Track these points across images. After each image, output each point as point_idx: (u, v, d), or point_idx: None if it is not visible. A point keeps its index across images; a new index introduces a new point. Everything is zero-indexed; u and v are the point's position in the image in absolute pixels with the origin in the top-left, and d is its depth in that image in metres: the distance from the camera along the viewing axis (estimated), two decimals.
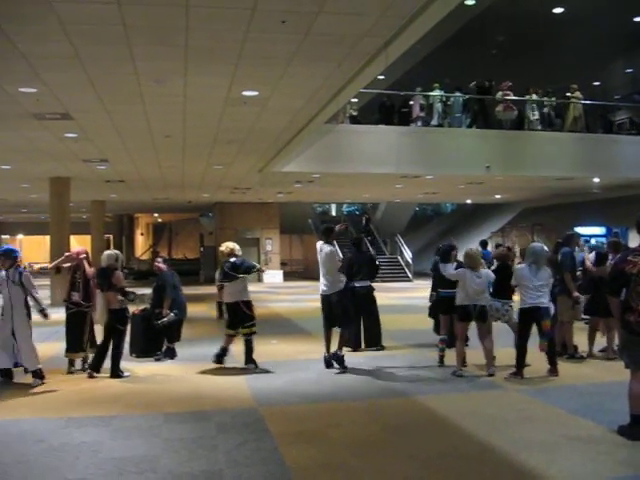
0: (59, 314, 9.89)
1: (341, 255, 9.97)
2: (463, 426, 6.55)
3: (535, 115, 20.61)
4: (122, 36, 7.60)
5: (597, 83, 25.91)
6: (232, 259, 9.69)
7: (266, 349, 11.00)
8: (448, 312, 9.52)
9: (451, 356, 9.35)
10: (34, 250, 47.65)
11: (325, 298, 9.49)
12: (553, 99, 21.34)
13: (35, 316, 8.82)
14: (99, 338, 9.44)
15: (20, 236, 50.29)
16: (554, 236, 22.40)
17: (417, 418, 6.99)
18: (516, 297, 9.21)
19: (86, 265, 9.45)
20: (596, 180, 22.52)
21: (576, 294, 9.75)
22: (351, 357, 10.23)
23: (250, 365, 9.60)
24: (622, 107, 24.87)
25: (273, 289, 26.54)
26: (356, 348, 11.00)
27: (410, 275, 30.63)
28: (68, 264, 9.55)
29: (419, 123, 20.33)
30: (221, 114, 11.81)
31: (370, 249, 28.04)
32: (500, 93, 20.22)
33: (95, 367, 9.10)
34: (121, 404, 7.61)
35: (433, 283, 11.24)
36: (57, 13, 6.85)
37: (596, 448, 5.77)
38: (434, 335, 11.16)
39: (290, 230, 36.76)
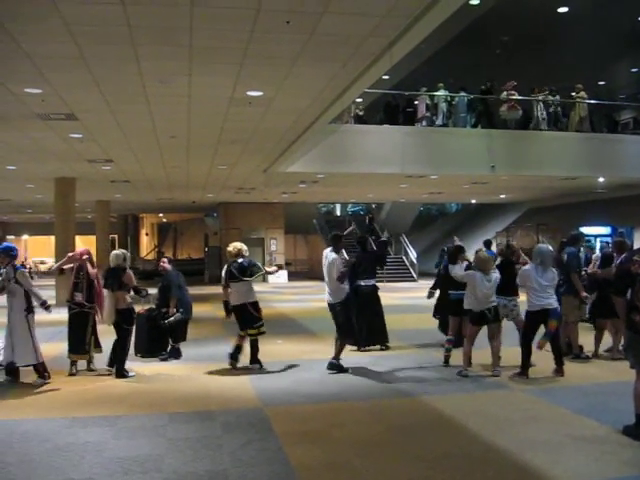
0: (63, 314, 9.90)
1: (347, 257, 9.87)
2: (468, 426, 6.55)
3: (543, 114, 20.58)
4: (127, 36, 7.61)
5: (602, 82, 25.83)
6: (240, 260, 9.68)
7: (271, 349, 11.01)
8: (458, 314, 9.48)
9: (456, 357, 9.34)
10: (39, 250, 47.76)
11: (330, 307, 9.48)
12: (557, 97, 21.29)
13: (39, 316, 8.84)
14: (104, 338, 9.46)
15: (25, 236, 50.36)
16: (559, 236, 22.35)
17: (422, 418, 6.98)
18: (522, 297, 9.20)
19: (89, 266, 9.46)
20: (601, 180, 22.46)
21: (584, 294, 9.75)
22: (356, 357, 10.24)
23: (255, 365, 9.61)
24: (627, 107, 24.82)
25: (278, 289, 26.55)
26: (361, 347, 11.00)
27: (415, 275, 30.61)
28: (70, 265, 9.55)
29: (424, 123, 20.31)
30: (226, 114, 11.82)
31: (375, 248, 28.02)
32: (505, 93, 20.19)
33: (112, 364, 9.23)
34: (126, 404, 7.62)
35: (436, 282, 11.23)
36: (61, 13, 6.86)
37: (601, 448, 5.76)
38: (439, 335, 11.17)
39: (295, 230, 36.75)
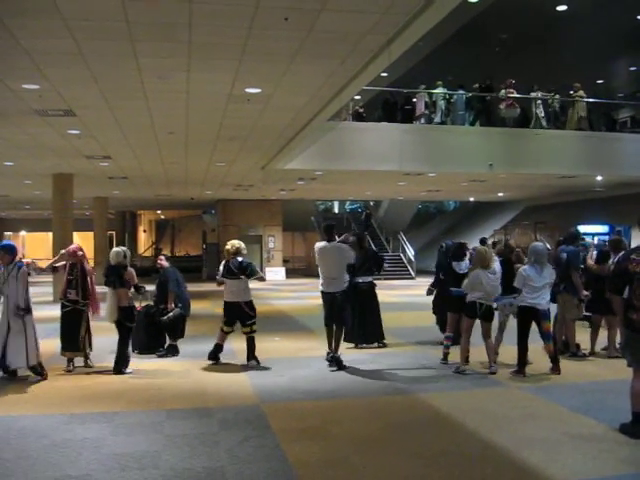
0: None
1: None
2: (465, 423, 6.56)
3: (542, 112, 20.59)
4: (125, 32, 7.60)
5: (600, 81, 25.85)
6: (239, 258, 9.69)
7: (268, 346, 11.02)
8: (457, 310, 9.48)
9: (454, 354, 9.35)
10: (37, 247, 47.70)
11: (329, 296, 9.43)
12: (557, 96, 21.32)
13: (36, 312, 8.83)
14: (95, 337, 9.47)
15: (23, 233, 50.31)
16: (557, 234, 22.40)
17: (419, 415, 6.99)
18: None
19: (85, 262, 9.43)
20: (599, 178, 22.48)
21: (585, 293, 9.77)
22: (353, 354, 10.24)
23: (252, 362, 9.61)
24: (625, 105, 24.84)
25: (275, 286, 26.55)
26: (358, 344, 11.01)
27: (413, 272, 30.63)
28: (63, 262, 9.51)
29: (422, 120, 20.32)
30: (224, 111, 11.81)
31: (372, 245, 28.04)
32: (504, 91, 20.20)
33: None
34: (123, 400, 7.62)
35: (435, 280, 11.23)
36: (60, 9, 6.85)
37: (598, 446, 5.77)
38: (436, 332, 11.19)
39: (293, 227, 36.74)
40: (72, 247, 9.65)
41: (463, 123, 20.61)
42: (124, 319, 9.14)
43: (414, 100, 20.65)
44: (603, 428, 6.30)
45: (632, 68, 26.07)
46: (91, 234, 31.27)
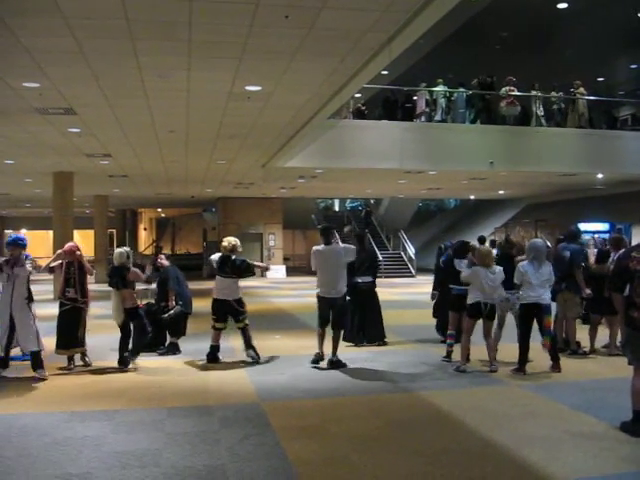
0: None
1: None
2: (466, 421, 6.56)
3: (541, 111, 20.59)
4: (125, 30, 7.59)
5: (601, 79, 25.83)
6: (233, 256, 9.70)
7: (269, 344, 11.02)
8: (459, 309, 9.46)
9: (456, 352, 9.36)
10: (37, 245, 47.71)
11: (331, 301, 9.31)
12: (561, 94, 21.33)
13: (41, 310, 8.84)
14: (92, 335, 9.49)
15: (23, 231, 50.24)
16: (557, 232, 22.36)
17: (420, 413, 6.99)
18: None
19: (83, 260, 9.42)
20: (600, 176, 22.47)
21: (588, 291, 9.78)
22: (354, 352, 10.25)
23: (250, 351, 9.64)
24: (626, 103, 24.82)
25: (276, 284, 26.55)
26: (358, 343, 11.01)
27: (413, 271, 30.65)
28: (59, 261, 9.50)
29: (423, 118, 20.31)
30: (224, 109, 11.80)
31: (373, 244, 28.08)
32: (505, 88, 20.18)
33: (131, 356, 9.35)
34: (124, 398, 7.63)
35: (435, 280, 11.23)
36: (60, 7, 6.84)
37: (599, 444, 5.77)
38: (436, 333, 11.20)
39: (293, 225, 36.75)
40: (68, 246, 9.59)
41: (464, 121, 20.59)
42: (131, 320, 9.22)
43: (414, 98, 20.64)
44: (604, 426, 6.30)
45: (633, 66, 26.05)
46: (92, 232, 31.29)
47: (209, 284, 9.96)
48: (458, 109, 20.55)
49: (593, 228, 23.88)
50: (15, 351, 9.00)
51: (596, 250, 10.68)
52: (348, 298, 9.91)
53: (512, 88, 20.18)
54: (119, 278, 9.18)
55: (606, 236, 18.63)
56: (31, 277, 8.83)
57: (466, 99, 20.70)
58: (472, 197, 34.36)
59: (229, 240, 9.94)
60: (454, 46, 21.82)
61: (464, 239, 10.43)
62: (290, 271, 32.67)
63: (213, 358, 9.72)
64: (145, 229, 54.16)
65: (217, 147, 16.14)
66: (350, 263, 10.40)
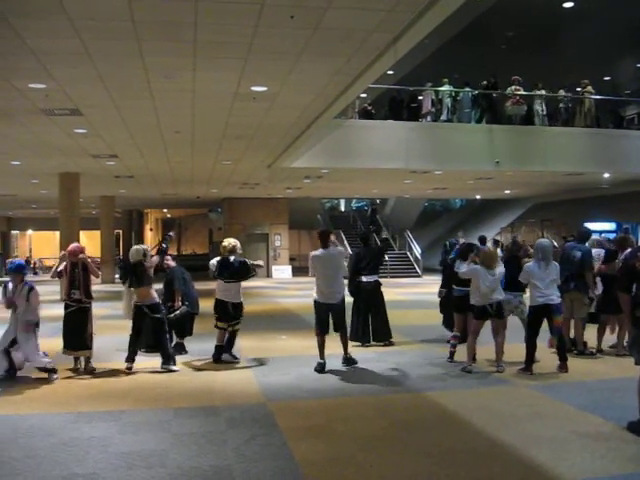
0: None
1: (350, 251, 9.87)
2: (472, 422, 6.54)
3: (543, 110, 20.57)
4: (131, 31, 7.61)
5: (607, 78, 25.77)
6: (232, 258, 9.72)
7: (275, 345, 11.03)
8: (462, 310, 9.46)
9: (461, 352, 9.33)
10: (44, 246, 47.85)
11: (332, 307, 9.23)
12: (569, 94, 21.31)
13: (44, 311, 8.85)
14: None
15: (30, 231, 50.50)
16: (563, 232, 22.32)
17: (426, 413, 6.98)
18: (528, 293, 9.18)
19: (87, 261, 9.38)
20: (606, 175, 22.42)
21: (597, 292, 9.77)
22: (360, 352, 10.23)
23: (226, 355, 9.73)
24: (632, 102, 24.75)
25: (282, 284, 26.54)
26: (364, 343, 11.01)
27: (419, 271, 30.61)
28: (64, 263, 9.46)
29: (429, 118, 20.29)
30: (230, 109, 11.82)
31: (378, 242, 28.05)
32: (512, 87, 20.16)
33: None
34: (130, 399, 7.64)
35: (443, 279, 11.22)
36: (66, 9, 6.86)
37: (605, 445, 5.75)
38: (443, 331, 11.17)
39: (299, 225, 36.75)
40: (71, 247, 9.50)
41: (469, 121, 20.58)
42: (153, 313, 9.23)
43: (420, 98, 20.63)
44: (611, 426, 6.28)
45: (639, 65, 25.98)
46: (98, 233, 31.38)
47: (215, 284, 9.96)
48: (464, 109, 20.54)
49: (600, 228, 23.82)
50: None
51: (596, 250, 10.59)
52: (352, 298, 9.89)
53: (518, 88, 20.15)
54: (134, 276, 9.20)
55: (610, 236, 18.58)
56: (37, 278, 8.85)
57: (472, 99, 20.68)
58: (478, 197, 34.32)
59: (229, 241, 9.98)
60: (460, 46, 21.79)
61: (469, 242, 10.39)
62: (296, 271, 32.65)
63: (219, 358, 9.75)
64: (151, 229, 54.26)
65: (223, 147, 16.16)
66: (355, 262, 10.39)
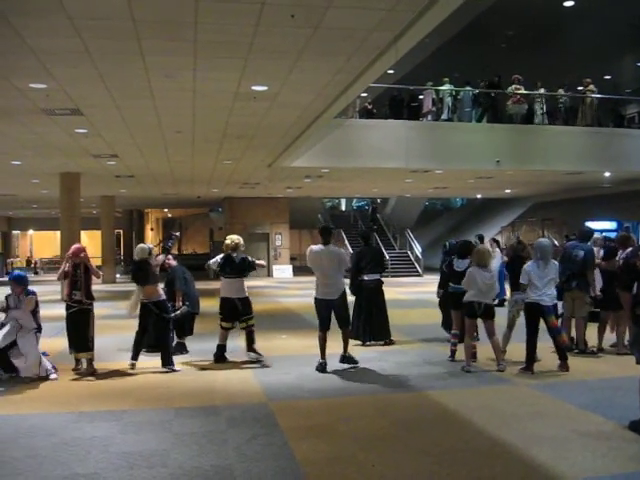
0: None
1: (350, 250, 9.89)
2: (473, 421, 6.54)
3: (543, 109, 20.57)
4: (131, 31, 7.60)
5: (608, 77, 25.76)
6: (234, 254, 9.73)
7: (276, 344, 11.03)
8: (459, 307, 9.47)
9: (462, 351, 9.33)
10: (44, 245, 47.88)
11: (329, 303, 9.21)
12: (568, 93, 21.30)
13: (45, 311, 8.84)
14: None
15: (31, 231, 50.51)
16: (564, 231, 22.31)
17: (427, 413, 6.98)
18: None
19: (88, 262, 9.36)
20: (607, 174, 22.40)
21: (598, 293, 9.77)
22: (361, 352, 10.23)
23: (250, 354, 9.66)
24: (633, 101, 24.74)
25: (283, 284, 26.53)
26: (365, 341, 11.01)
27: (420, 270, 30.61)
28: (67, 264, 9.42)
29: (429, 117, 20.29)
30: (231, 109, 11.81)
31: (379, 241, 28.13)
32: (513, 86, 20.15)
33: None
34: (132, 398, 7.64)
35: (441, 279, 11.22)
36: (66, 8, 6.86)
37: (607, 444, 5.74)
38: (444, 330, 11.16)
39: (299, 225, 36.75)
40: (74, 248, 9.43)
41: (470, 120, 20.57)
42: (160, 311, 9.25)
43: (420, 97, 20.62)
44: (612, 425, 6.27)
45: (639, 63, 25.99)
46: (98, 232, 31.40)
47: (215, 284, 9.98)
48: (464, 108, 20.53)
49: (601, 226, 23.81)
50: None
51: (597, 249, 10.59)
52: (353, 297, 9.87)
53: (519, 86, 20.14)
54: (140, 273, 9.23)
55: (611, 235, 18.57)
56: (38, 278, 8.85)
57: (472, 98, 20.67)
58: (479, 196, 34.30)
59: (232, 238, 9.99)
60: (460, 45, 21.82)
61: (467, 239, 10.39)
62: (297, 271, 32.64)
63: (220, 358, 9.74)
64: (152, 229, 54.27)
65: (223, 147, 16.16)
66: (356, 261, 10.37)
